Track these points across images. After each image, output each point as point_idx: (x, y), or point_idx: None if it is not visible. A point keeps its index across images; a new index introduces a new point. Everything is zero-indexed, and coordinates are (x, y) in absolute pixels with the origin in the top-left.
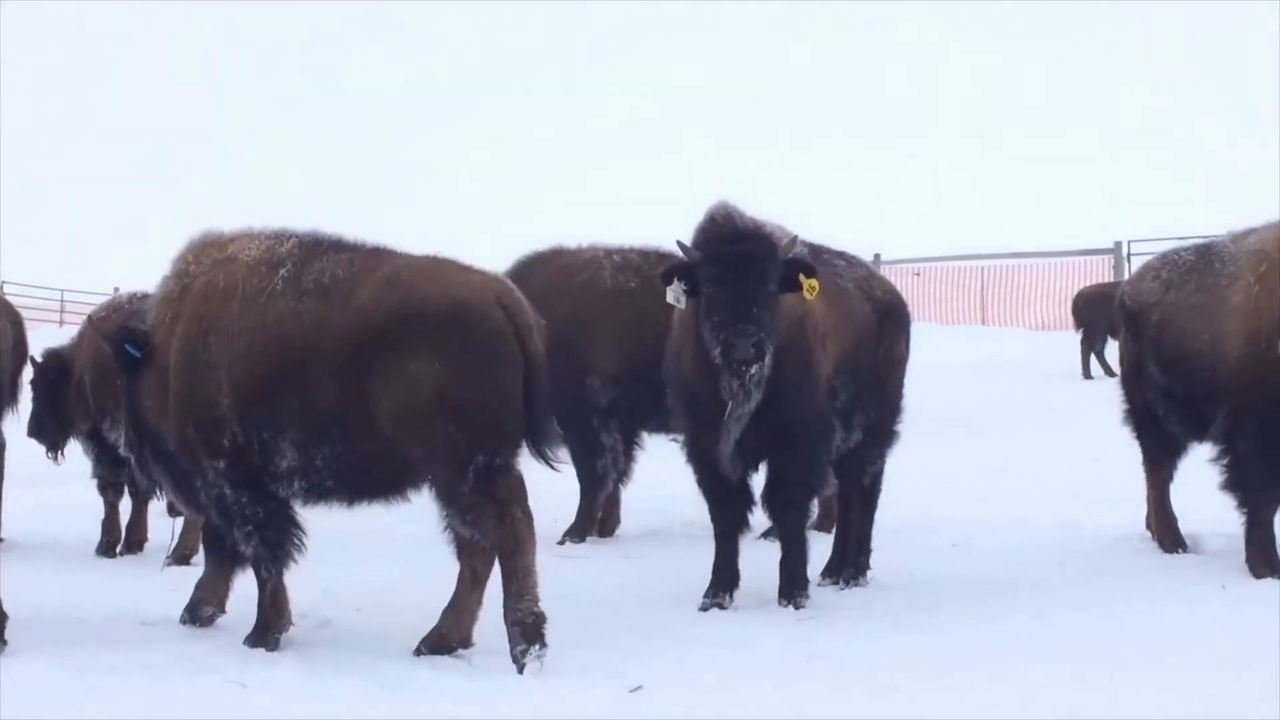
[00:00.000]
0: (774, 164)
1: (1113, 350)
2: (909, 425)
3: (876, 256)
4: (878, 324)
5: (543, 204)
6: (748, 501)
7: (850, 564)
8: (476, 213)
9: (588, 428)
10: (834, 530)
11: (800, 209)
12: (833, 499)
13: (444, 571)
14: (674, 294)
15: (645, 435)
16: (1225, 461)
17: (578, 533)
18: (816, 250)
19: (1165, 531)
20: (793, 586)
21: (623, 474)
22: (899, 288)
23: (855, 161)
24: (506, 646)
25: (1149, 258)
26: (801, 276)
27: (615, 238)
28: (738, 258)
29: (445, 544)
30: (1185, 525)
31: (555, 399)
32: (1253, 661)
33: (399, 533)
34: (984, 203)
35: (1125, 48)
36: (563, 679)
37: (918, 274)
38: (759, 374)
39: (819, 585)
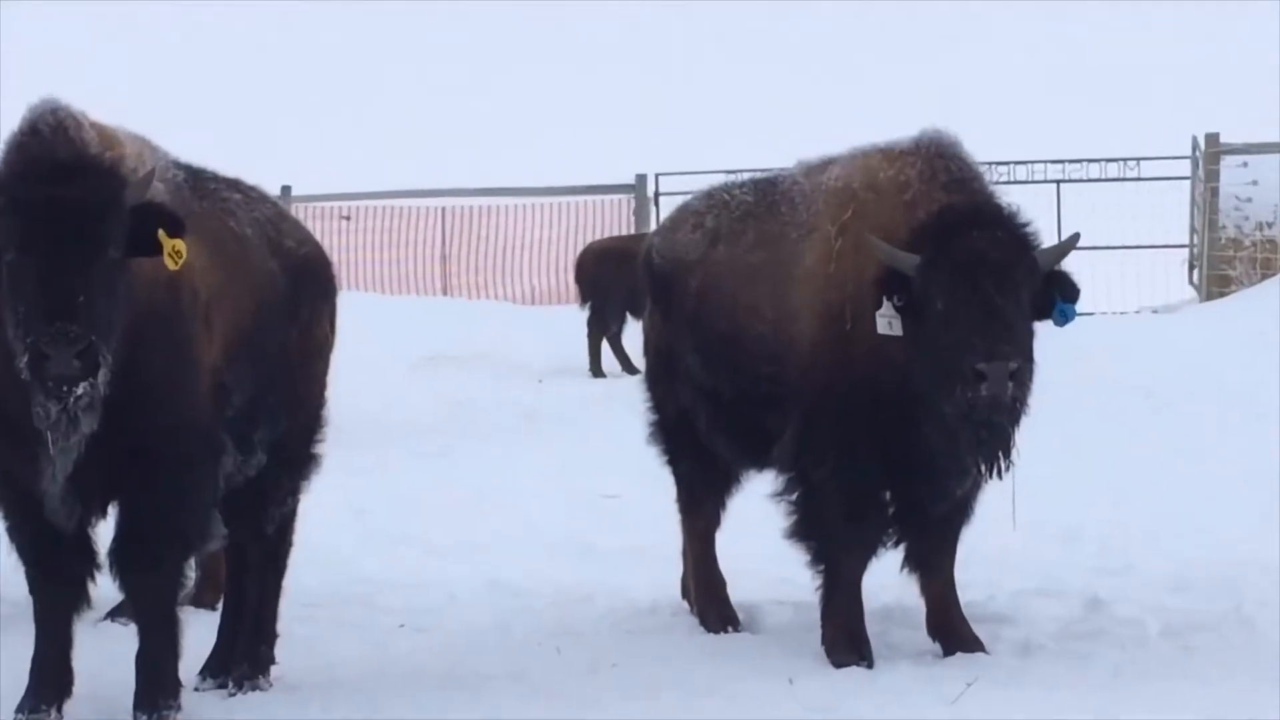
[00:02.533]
0: None
1: (636, 333)
2: (335, 442)
3: (285, 190)
4: (291, 290)
5: None
6: (88, 562)
7: (245, 656)
8: None
9: None
10: (221, 606)
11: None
12: (219, 558)
13: None
14: None
15: None
16: (794, 496)
17: None
18: (198, 176)
19: (710, 600)
20: (155, 692)
21: None
22: (321, 237)
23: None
24: None
25: (687, 197)
26: (161, 233)
27: None
28: (51, 208)
29: None
30: (738, 591)
31: None
32: None
33: None
34: (447, 117)
35: None
36: None
37: (346, 217)
38: (90, 394)
39: (198, 689)
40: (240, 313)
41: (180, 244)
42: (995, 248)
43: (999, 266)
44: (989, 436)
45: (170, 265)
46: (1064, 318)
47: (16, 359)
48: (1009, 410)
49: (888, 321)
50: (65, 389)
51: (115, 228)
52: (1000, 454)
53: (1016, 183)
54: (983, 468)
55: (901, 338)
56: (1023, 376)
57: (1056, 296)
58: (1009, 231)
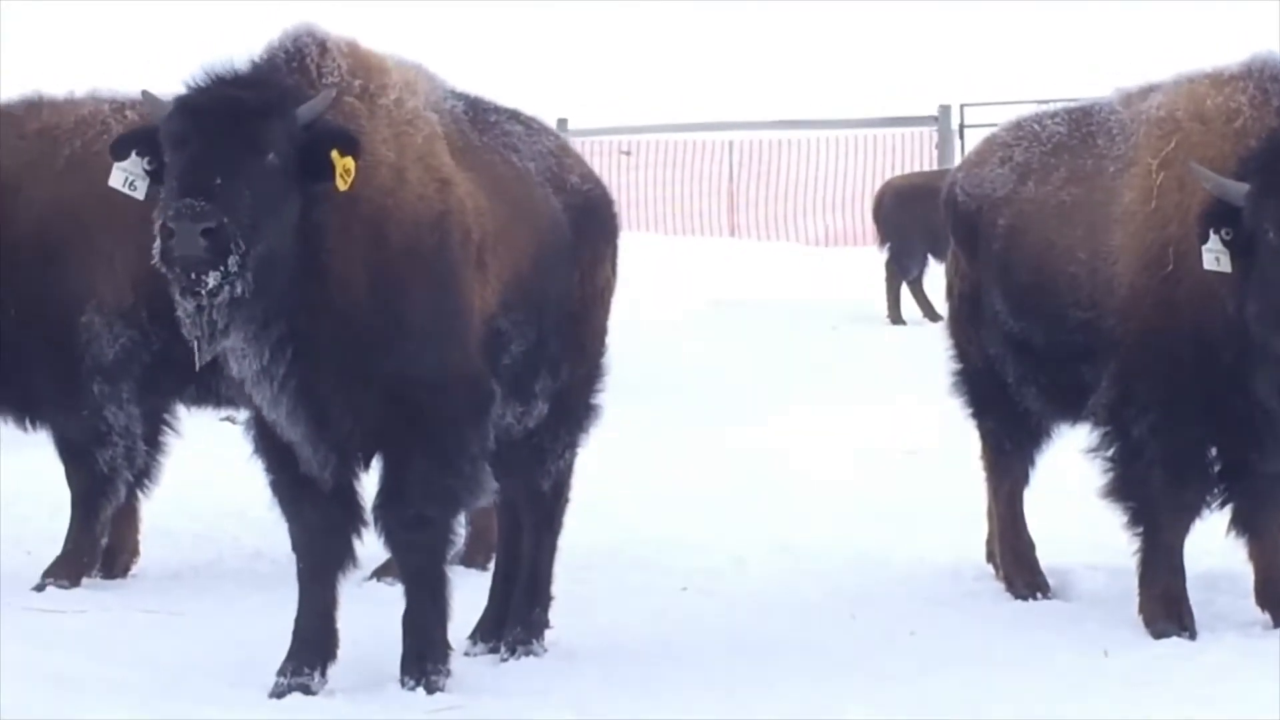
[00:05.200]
0: None
1: (938, 277)
2: (616, 395)
3: (561, 124)
4: (573, 231)
5: None
6: (352, 519)
7: (518, 619)
8: None
9: (83, 396)
10: (492, 566)
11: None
12: (491, 516)
13: None
14: (123, 175)
15: (181, 410)
16: (1110, 453)
17: (67, 569)
18: (478, 107)
19: (1016, 565)
20: (423, 656)
21: (143, 475)
22: (602, 174)
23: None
24: None
25: (994, 130)
26: (335, 153)
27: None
28: (206, 108)
29: None
30: (1047, 555)
31: (27, 345)
32: None
33: None
34: (735, 49)
35: None
36: None
37: (626, 152)
38: (226, 291)
39: (468, 654)
40: (519, 255)
41: (351, 163)
42: None
43: None
44: None
45: (341, 185)
46: None
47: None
48: None
49: (1215, 257)
50: (195, 277)
51: (273, 131)
52: None
53: None
54: None
55: (1230, 276)
56: None
57: None
58: None
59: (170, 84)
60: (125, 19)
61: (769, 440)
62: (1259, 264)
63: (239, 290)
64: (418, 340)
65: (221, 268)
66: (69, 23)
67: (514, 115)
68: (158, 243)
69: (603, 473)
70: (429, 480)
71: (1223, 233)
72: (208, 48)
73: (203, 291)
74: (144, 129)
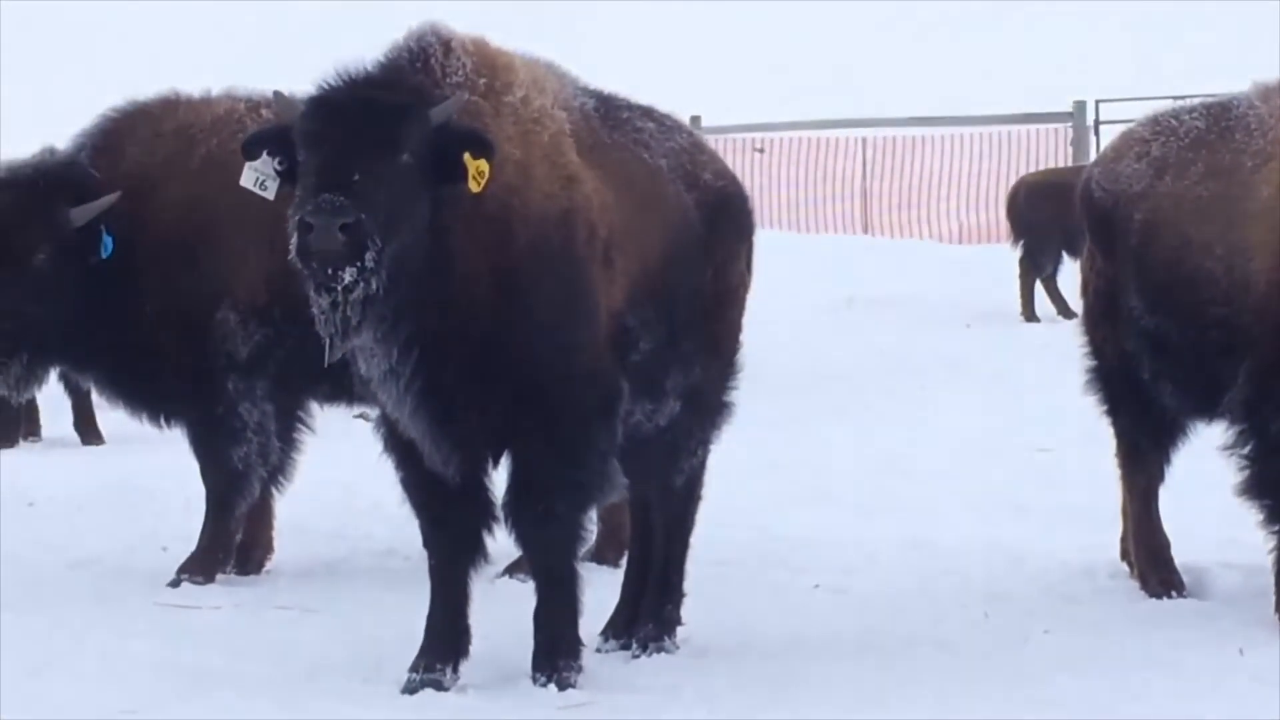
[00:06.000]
0: None
1: (1072, 274)
2: (748, 392)
3: (695, 120)
4: (705, 228)
5: None
6: (483, 515)
7: (650, 616)
8: None
9: (217, 393)
10: (624, 563)
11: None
12: (623, 513)
13: None
14: (254, 175)
15: (315, 408)
16: (1248, 450)
17: (202, 566)
18: (609, 104)
19: (1151, 563)
20: (555, 653)
21: (276, 471)
22: (737, 171)
23: None
24: None
25: (1130, 125)
26: (467, 155)
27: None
28: (342, 107)
29: None
30: (1182, 553)
31: (163, 343)
32: None
33: None
34: (869, 46)
35: None
36: None
37: (760, 149)
38: (362, 287)
39: (600, 650)
40: (648, 252)
41: (484, 165)
42: None
43: None
44: None
45: (474, 188)
46: None
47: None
48: None
49: None
50: (331, 272)
51: (408, 131)
52: None
53: None
54: None
55: None
56: None
57: None
58: None
59: (264, 82)
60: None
61: (902, 437)
62: None
63: (373, 287)
64: (544, 337)
65: (358, 264)
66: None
67: (647, 112)
68: (294, 238)
69: (736, 470)
70: (557, 476)
71: None
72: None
73: (338, 287)
74: (275, 128)
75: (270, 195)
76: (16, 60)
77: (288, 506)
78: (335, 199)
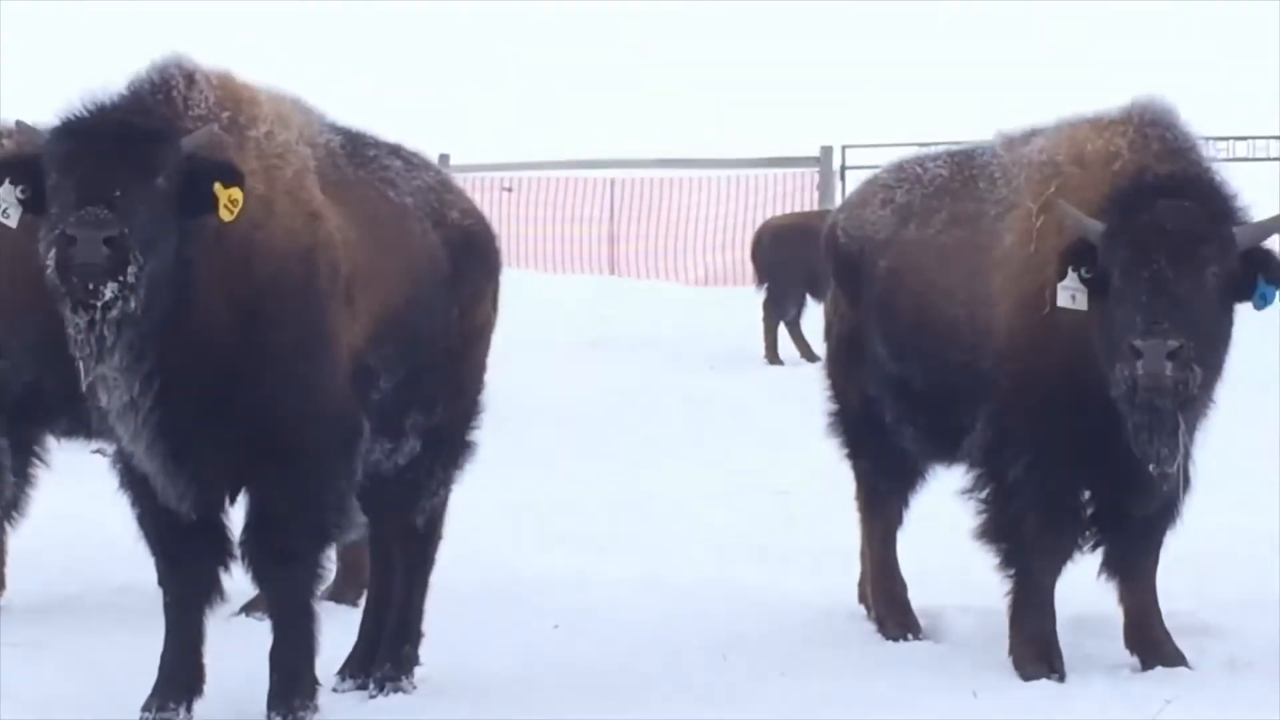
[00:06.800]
0: None
1: (816, 317)
2: (491, 432)
3: (443, 159)
4: (452, 267)
5: None
6: (219, 552)
7: (388, 656)
8: None
9: None
10: (363, 601)
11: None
12: (362, 551)
13: None
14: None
15: (51, 442)
16: (984, 495)
17: None
18: (356, 141)
19: (888, 606)
20: (291, 692)
21: (10, 506)
22: (484, 210)
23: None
24: None
25: (876, 171)
26: (218, 185)
27: None
28: (96, 131)
29: None
30: (920, 596)
31: None
32: None
33: None
34: (618, 88)
35: None
36: None
37: (508, 188)
38: (121, 306)
39: (336, 690)
40: (392, 290)
41: (237, 193)
42: (1177, 218)
43: (1178, 238)
44: (1152, 421)
45: (225, 216)
46: (1264, 300)
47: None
48: (1171, 394)
49: (1071, 295)
50: (93, 287)
51: (162, 155)
52: (1165, 443)
53: (1237, 159)
54: (1147, 456)
55: (1089, 315)
56: (1192, 359)
57: (1260, 277)
58: (1201, 202)
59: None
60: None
61: (644, 478)
62: (1106, 304)
63: (131, 305)
64: (282, 373)
65: (120, 278)
66: None
67: (394, 150)
68: (54, 253)
69: (477, 510)
70: (295, 514)
71: (1082, 271)
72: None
73: (98, 304)
74: (15, 156)
75: (12, 223)
76: None
77: (21, 541)
78: (99, 211)
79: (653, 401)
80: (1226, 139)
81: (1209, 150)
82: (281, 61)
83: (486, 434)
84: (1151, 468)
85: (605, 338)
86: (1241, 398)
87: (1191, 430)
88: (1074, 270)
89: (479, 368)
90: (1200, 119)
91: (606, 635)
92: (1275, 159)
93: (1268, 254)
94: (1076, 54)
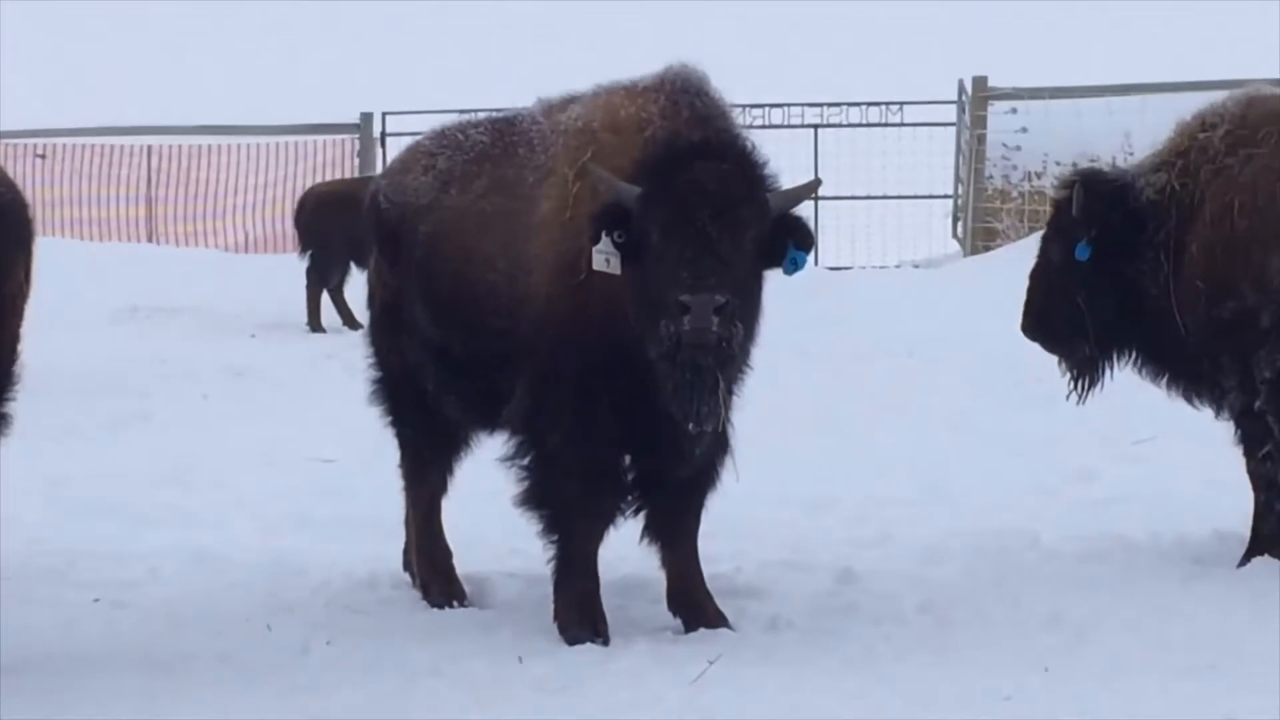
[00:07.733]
0: None
1: (359, 285)
2: (28, 403)
3: None
4: None
5: None
6: None
7: None
8: None
9: None
10: None
11: None
12: None
13: None
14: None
15: None
16: (525, 461)
17: None
18: None
19: (433, 573)
20: None
21: None
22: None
23: None
24: None
25: (417, 138)
26: None
27: None
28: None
29: None
30: (466, 563)
31: None
32: None
33: None
34: (160, 52)
35: None
36: None
37: (41, 155)
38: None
39: None
40: None
41: None
42: (717, 180)
43: (718, 200)
44: (694, 379)
45: None
46: (794, 266)
47: None
48: (715, 350)
49: (605, 259)
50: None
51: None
52: (706, 401)
53: (772, 126)
54: (688, 414)
55: (622, 279)
56: (735, 316)
57: (789, 243)
58: (737, 166)
59: None
60: None
61: (185, 448)
62: (642, 265)
63: None
64: None
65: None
66: None
67: None
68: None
69: (12, 482)
70: None
71: (615, 235)
72: None
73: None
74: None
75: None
76: None
77: None
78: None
79: (193, 370)
80: (761, 106)
81: (739, 117)
82: None
83: (21, 406)
84: (691, 426)
85: (144, 305)
86: (774, 362)
87: (730, 391)
88: (607, 234)
89: (12, 339)
90: (732, 87)
91: (148, 608)
92: (807, 126)
93: (798, 220)
94: (624, 16)
